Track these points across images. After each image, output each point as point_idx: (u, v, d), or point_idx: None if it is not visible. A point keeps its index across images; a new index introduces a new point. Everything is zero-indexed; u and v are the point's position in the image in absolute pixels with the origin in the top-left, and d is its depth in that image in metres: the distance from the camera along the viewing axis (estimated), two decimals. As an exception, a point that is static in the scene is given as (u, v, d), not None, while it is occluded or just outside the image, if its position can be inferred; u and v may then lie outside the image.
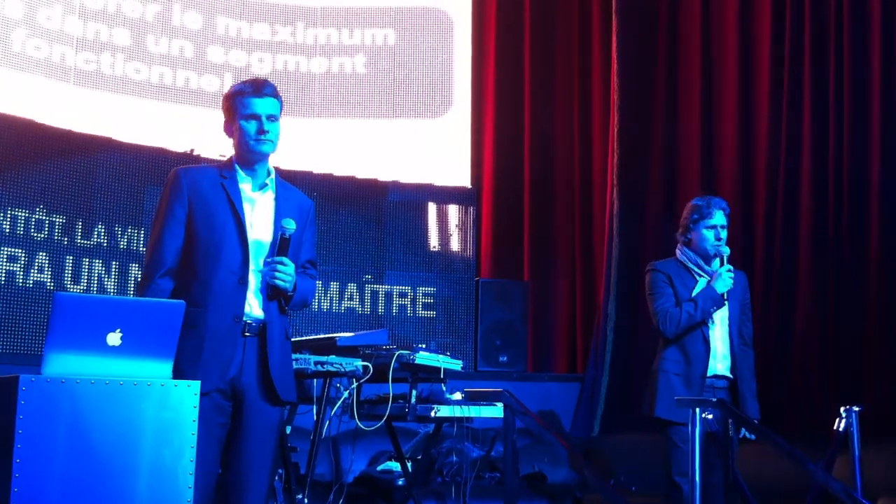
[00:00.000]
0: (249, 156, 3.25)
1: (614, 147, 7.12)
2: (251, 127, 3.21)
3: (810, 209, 6.18)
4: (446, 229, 7.38)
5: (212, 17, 7.38)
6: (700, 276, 4.29)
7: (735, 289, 4.27)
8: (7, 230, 5.60)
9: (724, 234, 4.28)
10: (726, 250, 4.26)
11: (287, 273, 3.17)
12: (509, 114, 8.04)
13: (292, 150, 6.51)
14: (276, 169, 3.38)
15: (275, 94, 3.26)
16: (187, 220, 3.20)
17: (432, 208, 7.36)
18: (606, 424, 6.68)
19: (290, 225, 3.18)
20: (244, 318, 3.15)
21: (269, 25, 7.60)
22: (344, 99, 7.71)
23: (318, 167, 7.02)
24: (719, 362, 4.23)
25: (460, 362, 4.63)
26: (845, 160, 6.05)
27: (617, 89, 7.14)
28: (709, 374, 4.20)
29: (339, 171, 7.16)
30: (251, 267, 3.18)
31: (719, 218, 4.29)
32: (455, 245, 7.40)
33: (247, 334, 3.15)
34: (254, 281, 3.18)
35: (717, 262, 4.28)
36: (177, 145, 6.60)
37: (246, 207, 3.23)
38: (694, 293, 4.23)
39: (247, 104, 3.22)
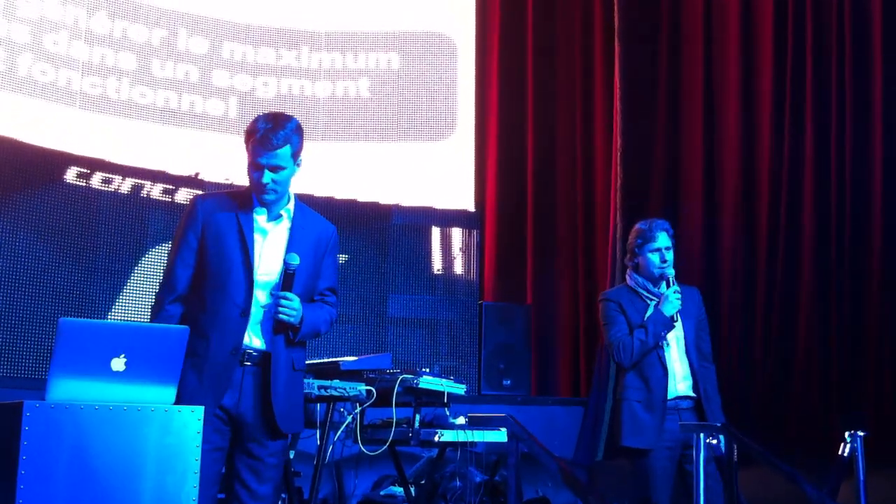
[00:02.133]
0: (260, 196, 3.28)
1: (617, 169, 7.13)
2: (256, 176, 3.24)
3: (813, 225, 6.19)
4: (450, 252, 7.40)
5: (217, 42, 7.42)
6: (650, 299, 4.27)
7: (687, 306, 4.26)
8: (9, 253, 5.62)
9: (669, 255, 4.28)
10: (671, 272, 4.25)
11: (291, 308, 3.19)
12: (512, 137, 8.08)
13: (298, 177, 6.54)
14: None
15: (285, 142, 3.22)
16: (199, 248, 3.22)
17: (436, 231, 7.38)
18: (610, 449, 6.65)
19: (294, 260, 3.19)
20: (243, 349, 3.16)
21: (275, 50, 7.64)
22: (348, 123, 7.74)
23: (322, 191, 7.04)
24: (680, 382, 4.21)
25: (464, 386, 4.63)
26: (847, 176, 6.06)
27: (619, 112, 7.16)
28: (670, 396, 4.19)
29: (343, 194, 7.18)
30: (255, 300, 3.19)
31: (663, 240, 4.29)
32: (458, 268, 7.41)
33: (246, 363, 3.16)
34: (257, 313, 3.20)
35: (664, 284, 4.28)
36: (182, 169, 6.63)
37: (257, 239, 3.25)
38: (645, 318, 4.23)
39: (255, 152, 3.24)
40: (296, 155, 3.28)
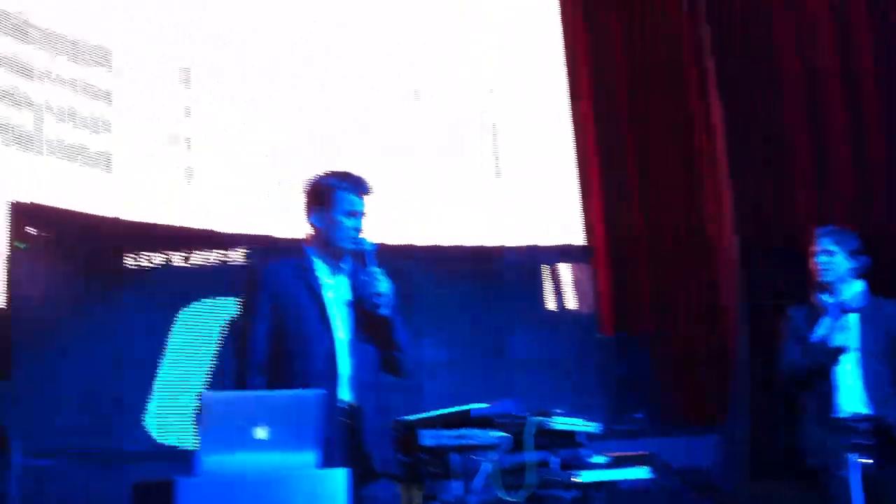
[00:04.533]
0: (339, 248, 3.31)
1: (729, 188, 6.98)
2: (350, 223, 3.27)
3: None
4: (562, 288, 7.32)
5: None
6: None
7: (875, 319, 4.10)
8: (142, 330, 5.77)
9: (824, 259, 4.12)
10: (847, 292, 4.07)
11: (377, 280, 3.20)
12: (614, 165, 7.99)
13: (395, 224, 6.59)
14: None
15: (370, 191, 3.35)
16: (273, 314, 3.24)
17: (546, 268, 7.31)
18: (754, 473, 6.45)
19: (368, 244, 3.24)
20: (339, 405, 3.18)
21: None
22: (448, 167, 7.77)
23: (425, 239, 7.06)
24: (856, 401, 4.06)
25: (597, 424, 4.53)
26: None
27: (724, 131, 7.02)
28: (845, 414, 4.03)
29: (446, 241, 7.18)
30: (338, 355, 3.24)
31: (821, 244, 4.16)
32: (573, 303, 7.32)
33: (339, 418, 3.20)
34: (343, 368, 3.24)
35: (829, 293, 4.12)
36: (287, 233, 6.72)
37: (327, 295, 3.29)
38: (819, 333, 4.09)
39: (352, 201, 3.29)
40: None
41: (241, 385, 3.24)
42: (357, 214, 3.29)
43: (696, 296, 7.56)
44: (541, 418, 4.31)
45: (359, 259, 3.33)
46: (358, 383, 3.23)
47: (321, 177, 3.43)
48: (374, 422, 3.24)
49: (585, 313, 7.28)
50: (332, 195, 3.31)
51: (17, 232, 5.55)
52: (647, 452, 3.65)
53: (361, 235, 3.30)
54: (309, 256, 3.33)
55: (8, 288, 5.64)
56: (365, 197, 3.33)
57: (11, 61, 6.30)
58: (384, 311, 3.25)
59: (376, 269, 3.24)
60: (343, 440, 3.19)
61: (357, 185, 3.33)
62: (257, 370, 3.22)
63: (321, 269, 3.32)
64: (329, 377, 3.19)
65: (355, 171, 3.39)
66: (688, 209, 7.67)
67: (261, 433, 2.74)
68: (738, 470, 6.54)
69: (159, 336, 5.76)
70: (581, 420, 4.47)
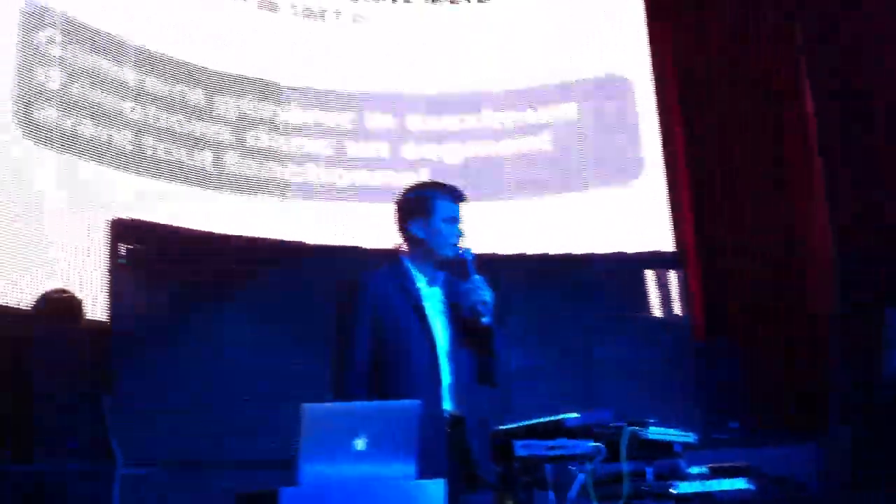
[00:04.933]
0: (440, 256, 3.33)
1: (823, 192, 6.83)
2: (452, 230, 3.30)
3: None
4: (654, 295, 7.23)
5: (402, 117, 7.67)
6: None
7: None
8: (236, 340, 5.90)
9: None
10: None
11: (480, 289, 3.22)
12: (703, 168, 7.88)
13: (489, 235, 6.59)
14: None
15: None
16: (374, 324, 3.28)
17: (637, 276, 7.24)
18: (856, 484, 6.27)
19: (469, 253, 3.28)
20: (442, 414, 3.19)
21: (456, 116, 7.80)
22: (534, 178, 7.77)
23: (512, 248, 7.07)
24: None
25: (693, 435, 4.46)
26: None
27: (816, 135, 6.88)
28: None
29: (534, 249, 7.17)
30: (441, 364, 3.26)
31: None
32: (664, 310, 7.23)
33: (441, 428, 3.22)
34: (443, 376, 3.26)
35: None
36: (383, 244, 6.81)
37: (426, 304, 3.32)
38: None
39: (451, 208, 3.33)
40: None
41: (340, 395, 3.28)
42: (456, 221, 3.33)
43: (791, 300, 7.40)
44: (636, 428, 4.26)
45: (456, 268, 3.35)
46: (457, 392, 3.25)
47: (416, 187, 3.47)
48: (473, 431, 3.25)
49: (677, 320, 7.17)
50: (431, 203, 3.35)
51: (117, 248, 5.73)
52: (745, 464, 3.57)
53: (461, 243, 3.34)
54: (406, 266, 3.36)
55: (110, 302, 5.83)
56: (461, 204, 3.37)
57: (110, 81, 6.54)
58: (486, 321, 3.26)
59: (479, 278, 3.26)
60: (444, 450, 3.21)
61: (453, 193, 3.37)
62: (357, 381, 3.25)
63: (419, 279, 3.35)
64: (431, 387, 3.21)
65: (441, 182, 3.45)
66: (781, 213, 7.52)
67: (360, 444, 2.78)
68: (839, 480, 6.36)
69: (258, 347, 5.87)
70: (677, 430, 4.40)
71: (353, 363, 3.28)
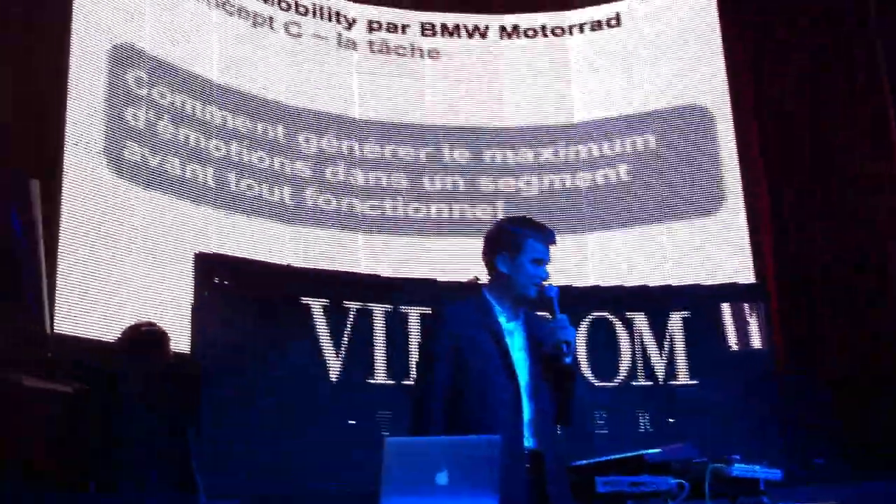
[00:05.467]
0: (522, 295, 3.33)
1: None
2: (538, 272, 3.30)
3: None
4: (735, 328, 7.11)
5: (478, 150, 7.72)
6: None
7: None
8: (316, 372, 5.96)
9: None
10: None
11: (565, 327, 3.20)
12: (784, 199, 7.76)
13: (567, 268, 6.59)
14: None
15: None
16: (455, 356, 3.29)
17: (719, 308, 7.13)
18: None
19: (553, 291, 3.26)
20: (523, 450, 3.19)
21: (532, 149, 7.82)
22: (612, 209, 7.73)
23: (588, 280, 7.04)
24: None
25: (779, 471, 4.37)
26: None
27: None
28: None
29: (611, 281, 7.13)
30: (524, 401, 3.24)
31: None
32: (747, 343, 7.09)
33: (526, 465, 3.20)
34: (525, 412, 3.24)
35: None
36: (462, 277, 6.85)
37: (508, 340, 3.30)
38: None
39: (540, 249, 3.32)
40: None
41: (420, 425, 3.28)
42: (543, 262, 3.32)
43: (876, 333, 7.21)
44: (719, 465, 4.19)
45: (537, 305, 3.35)
46: (538, 429, 3.23)
47: (510, 223, 3.46)
48: (554, 467, 3.24)
49: (758, 352, 7.03)
50: (522, 242, 3.33)
51: (202, 282, 5.85)
52: (831, 502, 3.48)
53: (546, 283, 3.32)
54: (488, 300, 3.37)
55: (195, 336, 5.95)
56: (551, 247, 3.36)
57: (194, 120, 6.73)
58: (568, 360, 3.25)
59: (563, 317, 3.24)
60: (524, 485, 3.20)
61: (545, 235, 3.35)
62: (437, 412, 3.26)
63: (500, 313, 3.36)
64: (513, 423, 3.20)
65: (534, 221, 3.42)
66: (865, 245, 7.36)
67: (442, 478, 2.79)
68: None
69: (339, 380, 5.93)
70: (761, 466, 4.32)
71: (433, 394, 3.28)
